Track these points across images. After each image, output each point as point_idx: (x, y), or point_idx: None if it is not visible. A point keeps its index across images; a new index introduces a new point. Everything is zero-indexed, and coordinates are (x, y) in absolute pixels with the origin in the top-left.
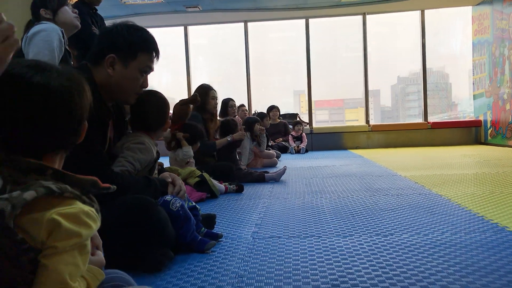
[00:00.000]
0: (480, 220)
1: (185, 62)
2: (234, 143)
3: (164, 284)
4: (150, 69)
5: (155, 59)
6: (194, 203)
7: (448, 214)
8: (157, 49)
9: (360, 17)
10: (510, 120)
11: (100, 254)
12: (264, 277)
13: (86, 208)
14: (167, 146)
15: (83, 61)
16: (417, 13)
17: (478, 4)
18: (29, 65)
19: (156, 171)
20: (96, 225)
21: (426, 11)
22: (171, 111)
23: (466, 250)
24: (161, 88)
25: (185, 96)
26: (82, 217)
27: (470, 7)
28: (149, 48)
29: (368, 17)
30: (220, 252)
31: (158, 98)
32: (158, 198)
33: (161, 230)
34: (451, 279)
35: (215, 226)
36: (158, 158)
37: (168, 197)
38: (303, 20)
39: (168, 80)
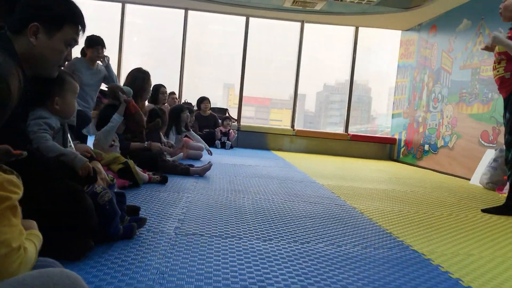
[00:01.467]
0: (388, 236)
1: (118, 40)
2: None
3: (83, 275)
4: (76, 42)
5: (81, 32)
6: (120, 190)
7: (360, 228)
8: (84, 22)
9: (298, 24)
10: (421, 142)
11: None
12: (185, 276)
13: (8, 176)
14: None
15: (2, 30)
16: (352, 28)
17: (407, 30)
18: None
19: (70, 143)
20: (20, 190)
21: (360, 28)
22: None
23: (374, 265)
24: None
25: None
26: (6, 185)
27: (399, 32)
28: (76, 21)
29: (306, 25)
30: (141, 246)
31: None
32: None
33: (86, 219)
34: None
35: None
36: (65, 131)
37: (98, 188)
38: (244, 18)
39: None
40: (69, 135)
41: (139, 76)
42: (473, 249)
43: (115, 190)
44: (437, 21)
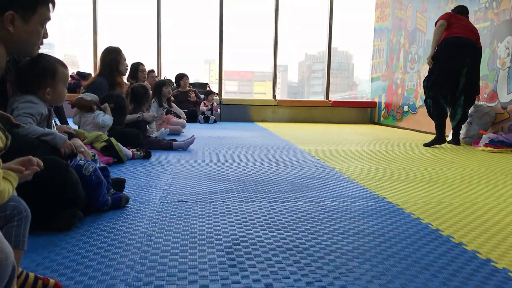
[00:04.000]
0: (364, 191)
1: (92, 19)
2: (142, 121)
3: (74, 242)
4: (49, 19)
5: (51, 8)
6: (104, 164)
7: (338, 185)
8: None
9: None
10: (400, 104)
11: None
12: (171, 237)
13: None
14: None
15: None
16: None
17: None
18: None
19: (54, 128)
20: (2, 143)
21: None
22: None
23: (350, 217)
24: (63, 46)
25: (89, 56)
26: None
27: None
28: (47, 1)
29: None
30: (129, 214)
31: (38, 62)
32: (68, 157)
33: (72, 192)
34: (334, 240)
35: (123, 190)
36: (51, 114)
37: (81, 161)
38: None
39: (71, 37)
40: (53, 120)
41: (109, 54)
42: (444, 197)
43: (98, 165)
44: None
